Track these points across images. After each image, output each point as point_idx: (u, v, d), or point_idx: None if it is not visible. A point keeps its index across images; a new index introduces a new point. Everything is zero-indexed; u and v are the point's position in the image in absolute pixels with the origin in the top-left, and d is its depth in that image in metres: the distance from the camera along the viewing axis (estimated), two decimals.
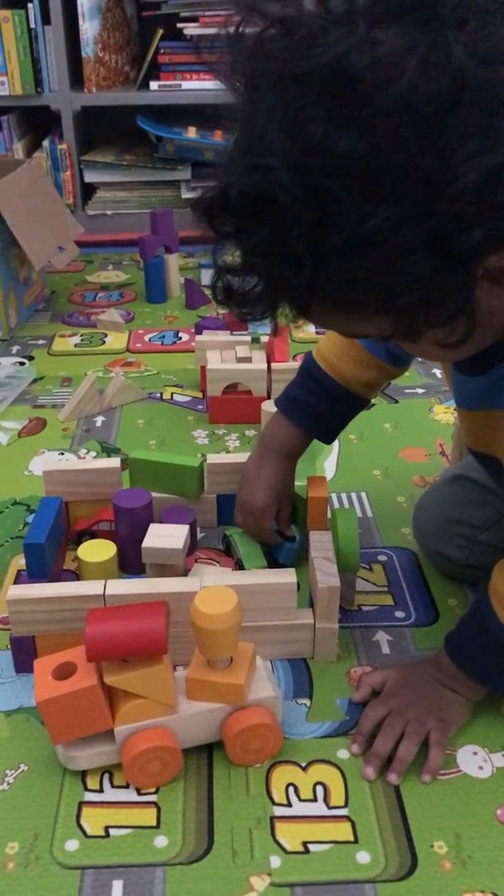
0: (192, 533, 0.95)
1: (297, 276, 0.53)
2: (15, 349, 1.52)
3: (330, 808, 0.68)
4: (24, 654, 0.80)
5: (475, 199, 0.48)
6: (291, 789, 0.70)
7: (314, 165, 0.49)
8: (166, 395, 1.36)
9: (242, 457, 1.02)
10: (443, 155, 0.48)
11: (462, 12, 0.48)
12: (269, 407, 1.22)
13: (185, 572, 0.90)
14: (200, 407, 1.32)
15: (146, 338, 1.57)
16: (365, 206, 0.49)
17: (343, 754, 0.72)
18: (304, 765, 0.72)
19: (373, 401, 1.31)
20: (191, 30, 1.95)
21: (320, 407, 0.90)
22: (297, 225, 0.51)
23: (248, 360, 1.29)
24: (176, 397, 1.35)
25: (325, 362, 0.89)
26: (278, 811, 0.68)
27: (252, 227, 0.53)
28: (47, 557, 0.87)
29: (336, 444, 1.20)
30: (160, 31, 1.96)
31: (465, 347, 0.57)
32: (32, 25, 1.91)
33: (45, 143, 2.05)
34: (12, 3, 1.91)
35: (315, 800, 0.69)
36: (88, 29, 1.94)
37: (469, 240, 0.50)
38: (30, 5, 1.90)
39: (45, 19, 1.92)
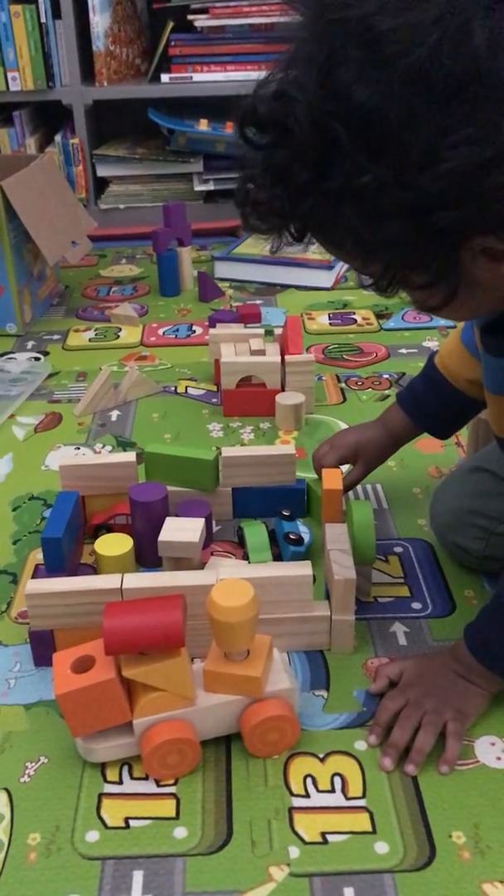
0: (208, 526, 0.95)
1: (296, 207, 0.56)
2: (30, 344, 1.53)
3: (348, 798, 0.68)
4: (43, 647, 0.81)
5: (457, 184, 0.50)
6: (309, 780, 0.70)
7: (330, 109, 0.51)
8: (181, 389, 1.36)
9: (257, 450, 1.02)
10: (440, 133, 0.50)
11: None
12: (283, 399, 1.23)
13: (201, 565, 0.90)
14: (215, 400, 1.32)
15: (160, 331, 1.57)
16: (363, 161, 0.52)
17: (360, 745, 0.73)
18: (321, 756, 0.72)
19: (387, 392, 1.31)
20: (201, 22, 1.94)
21: (427, 397, 0.95)
22: (305, 160, 0.54)
23: (261, 352, 1.29)
24: (190, 391, 1.36)
25: (439, 358, 0.94)
26: (297, 802, 0.68)
27: (271, 148, 0.56)
28: (65, 552, 0.88)
29: None
30: (171, 24, 1.96)
31: (455, 312, 0.62)
32: (43, 20, 1.91)
33: (58, 137, 2.05)
34: None
35: (333, 791, 0.69)
36: (99, 22, 1.94)
37: (446, 219, 0.52)
38: (40, 0, 1.89)
39: (56, 13, 1.92)
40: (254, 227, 0.60)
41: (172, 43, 1.98)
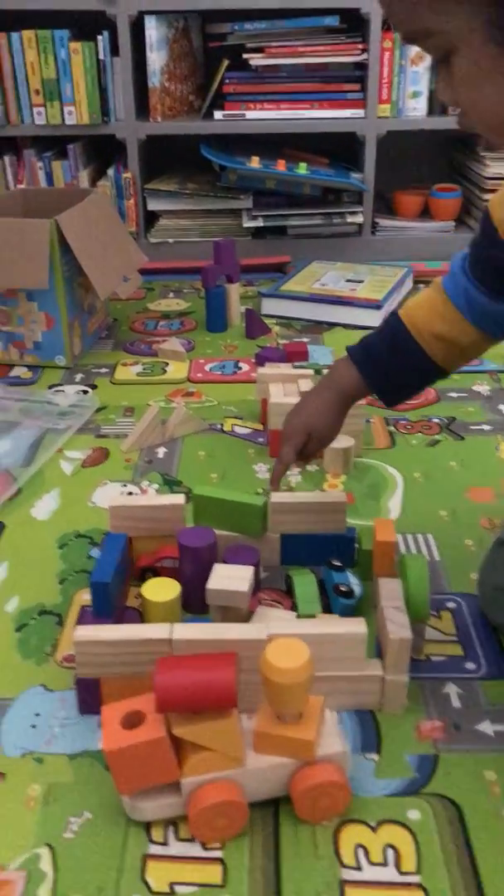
0: (256, 573, 0.93)
1: None
2: (78, 377, 1.53)
3: (402, 873, 0.65)
4: (89, 695, 0.80)
5: None
6: (361, 851, 0.67)
7: None
8: (227, 427, 1.35)
9: (307, 495, 1.01)
10: None
11: None
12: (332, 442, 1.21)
13: (249, 614, 0.89)
14: (261, 440, 1.31)
15: (206, 367, 1.57)
16: None
17: (414, 815, 0.70)
18: (373, 825, 0.69)
19: (438, 437, 1.29)
20: (256, 60, 1.96)
21: (382, 351, 0.91)
22: None
23: None
24: (236, 429, 1.35)
25: (403, 310, 0.91)
26: (347, 875, 0.66)
27: None
28: (113, 596, 0.87)
29: (400, 482, 1.18)
30: (226, 62, 1.98)
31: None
32: (101, 56, 1.94)
33: (110, 171, 2.08)
34: (83, 36, 1.95)
35: (386, 864, 0.66)
36: (156, 59, 1.97)
37: None
38: (99, 37, 1.93)
39: (114, 51, 1.95)
40: None
41: (227, 80, 2.00)
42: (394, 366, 0.92)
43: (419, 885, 0.65)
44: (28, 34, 1.92)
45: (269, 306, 1.80)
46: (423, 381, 0.95)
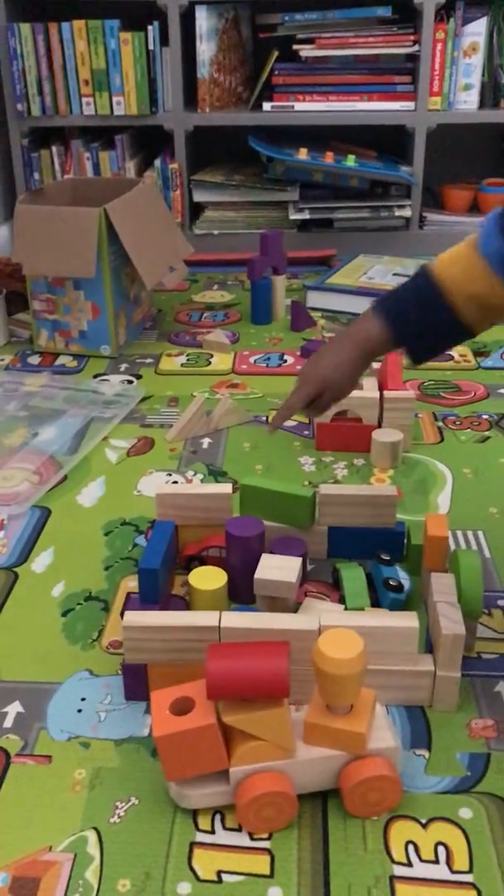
0: (303, 565, 0.92)
1: None
2: (123, 367, 1.53)
3: (453, 872, 0.64)
4: (136, 681, 0.79)
5: None
6: (411, 848, 0.66)
7: None
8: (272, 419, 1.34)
9: (356, 488, 1.00)
10: None
11: None
12: (380, 436, 1.20)
13: (296, 605, 0.88)
14: (307, 432, 1.30)
15: (251, 359, 1.56)
16: None
17: (466, 813, 0.69)
18: (423, 822, 0.68)
19: (488, 433, 1.27)
20: (306, 52, 1.95)
21: (410, 305, 0.88)
22: None
23: (359, 386, 1.26)
24: None
25: (438, 265, 0.88)
26: (398, 871, 0.64)
27: None
28: (160, 583, 0.86)
29: (449, 478, 1.16)
30: (275, 53, 1.96)
31: None
32: (151, 47, 1.94)
33: (157, 162, 2.08)
34: (133, 26, 1.95)
35: (437, 861, 0.65)
36: (205, 50, 1.96)
37: None
38: (150, 28, 1.93)
39: (164, 41, 1.95)
40: None
41: (276, 72, 1.98)
42: (421, 322, 0.88)
43: (471, 885, 0.63)
44: (78, 24, 1.92)
45: (315, 299, 1.78)
46: (450, 340, 0.92)
